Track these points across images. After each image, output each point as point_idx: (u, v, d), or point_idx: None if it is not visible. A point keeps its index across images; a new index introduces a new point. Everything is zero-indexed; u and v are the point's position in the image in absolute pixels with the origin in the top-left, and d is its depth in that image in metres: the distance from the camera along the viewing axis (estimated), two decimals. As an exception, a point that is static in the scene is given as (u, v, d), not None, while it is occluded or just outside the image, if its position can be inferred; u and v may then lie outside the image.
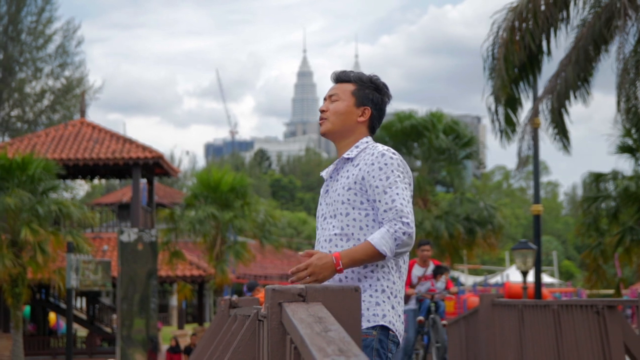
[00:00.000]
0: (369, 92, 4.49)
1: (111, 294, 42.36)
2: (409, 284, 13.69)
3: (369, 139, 4.47)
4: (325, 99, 4.56)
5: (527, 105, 17.77)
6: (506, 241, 64.32)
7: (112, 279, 27.63)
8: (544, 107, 17.04)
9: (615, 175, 27.33)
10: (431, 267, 13.90)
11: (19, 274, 25.29)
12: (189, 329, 39.37)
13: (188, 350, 26.02)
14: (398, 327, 4.28)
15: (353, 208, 4.29)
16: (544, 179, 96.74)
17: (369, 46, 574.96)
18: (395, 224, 4.15)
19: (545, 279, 47.98)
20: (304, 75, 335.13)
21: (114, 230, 33.43)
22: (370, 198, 4.28)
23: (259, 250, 34.83)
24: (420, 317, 13.47)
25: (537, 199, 22.18)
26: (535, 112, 17.73)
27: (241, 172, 37.82)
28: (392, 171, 4.25)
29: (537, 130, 19.02)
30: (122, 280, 25.60)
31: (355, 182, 4.30)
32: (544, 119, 17.28)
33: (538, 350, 12.53)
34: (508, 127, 17.54)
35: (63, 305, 33.59)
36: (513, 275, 43.30)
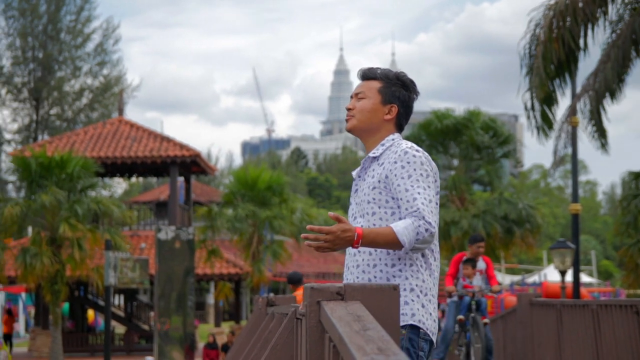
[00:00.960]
0: (395, 89, 4.46)
1: (149, 292, 42.65)
2: (455, 275, 13.41)
3: (395, 136, 4.45)
4: (352, 97, 4.54)
5: (562, 101, 17.69)
6: (544, 240, 64.03)
7: (149, 276, 27.80)
8: (582, 105, 16.93)
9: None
10: (481, 263, 13.63)
11: (58, 271, 25.50)
12: (225, 326, 39.51)
13: (225, 348, 26.12)
14: (429, 325, 4.24)
15: (379, 207, 4.28)
16: (582, 177, 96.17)
17: (405, 44, 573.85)
18: (419, 220, 4.12)
19: (584, 278, 47.67)
20: (341, 74, 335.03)
21: (152, 228, 33.62)
22: (395, 196, 4.26)
23: (296, 248, 34.91)
24: (460, 316, 13.17)
25: (575, 198, 22.03)
26: (572, 111, 17.62)
27: (278, 171, 37.88)
28: (415, 169, 4.23)
29: (576, 129, 18.90)
30: (159, 278, 25.73)
31: (379, 181, 4.29)
32: (582, 118, 17.17)
33: (576, 351, 12.45)
34: (544, 124, 17.45)
35: (101, 303, 33.84)
36: (551, 274, 43.06)
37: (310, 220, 32.03)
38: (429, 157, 4.33)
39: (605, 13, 15.95)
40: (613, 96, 16.61)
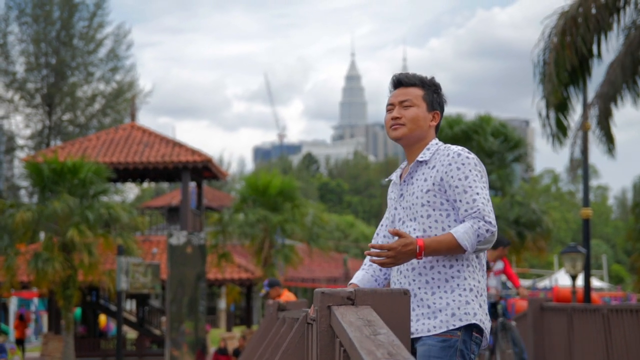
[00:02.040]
0: (436, 96, 4.53)
1: (160, 297, 42.65)
2: None
3: (437, 140, 4.51)
4: (392, 104, 4.53)
5: (578, 108, 17.65)
6: (555, 245, 63.86)
7: (161, 281, 27.85)
8: (595, 111, 16.94)
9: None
10: (498, 263, 13.33)
11: (70, 277, 25.57)
12: (237, 331, 39.52)
13: (237, 353, 26.13)
14: (487, 325, 4.29)
15: (434, 210, 4.31)
16: (593, 182, 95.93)
17: (417, 49, 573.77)
18: (478, 221, 4.19)
19: (595, 283, 47.51)
20: (352, 79, 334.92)
21: (164, 233, 33.67)
22: (450, 198, 4.30)
23: (307, 253, 34.89)
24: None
25: (586, 202, 22.01)
26: (585, 117, 17.62)
27: (289, 176, 37.92)
28: (470, 170, 4.29)
29: (587, 134, 18.90)
30: (171, 283, 25.77)
31: (433, 184, 4.32)
32: (593, 123, 17.17)
33: (587, 355, 12.46)
34: (559, 132, 17.41)
35: (113, 308, 33.89)
36: (562, 279, 42.95)
37: (322, 225, 32.06)
38: (480, 160, 4.38)
39: (619, 21, 15.95)
40: (621, 101, 16.61)
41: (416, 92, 4.51)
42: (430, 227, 4.31)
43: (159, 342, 33.89)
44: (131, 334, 39.39)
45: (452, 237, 4.18)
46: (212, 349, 32.48)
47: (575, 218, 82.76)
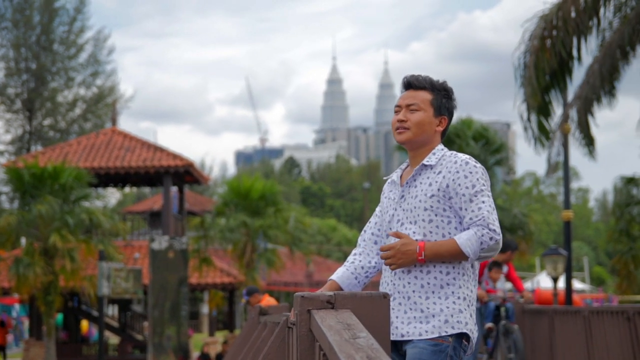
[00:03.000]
0: (445, 101, 4.51)
1: (142, 302, 42.54)
2: (479, 279, 12.73)
3: (443, 146, 4.51)
4: (399, 106, 4.52)
5: (559, 111, 17.71)
6: (537, 247, 64.04)
7: (143, 286, 27.77)
8: (574, 113, 17.01)
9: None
10: (503, 268, 13.13)
11: (51, 282, 25.48)
12: (219, 336, 39.47)
13: (219, 358, 26.11)
14: (475, 335, 4.34)
15: (436, 215, 4.33)
16: (574, 185, 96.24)
17: (399, 53, 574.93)
18: (482, 229, 4.22)
19: (576, 285, 47.69)
20: (334, 83, 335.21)
21: (145, 238, 33.60)
22: (454, 206, 4.32)
23: (289, 257, 34.88)
24: (489, 324, 12.50)
25: (567, 205, 22.08)
26: (565, 118, 17.69)
27: (271, 180, 37.90)
28: (477, 179, 4.31)
29: (568, 137, 18.97)
30: (153, 288, 25.73)
31: (439, 189, 4.33)
32: (572, 125, 17.24)
33: (568, 356, 12.50)
34: (541, 135, 17.47)
35: (95, 313, 33.79)
36: (543, 281, 43.10)
37: (303, 229, 32.07)
38: (485, 169, 4.42)
39: (598, 24, 16.03)
40: (600, 103, 16.68)
41: (424, 96, 4.49)
42: (430, 232, 4.32)
43: (141, 347, 33.79)
44: (113, 339, 39.27)
45: (455, 243, 4.22)
46: (194, 353, 32.41)
47: (556, 220, 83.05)
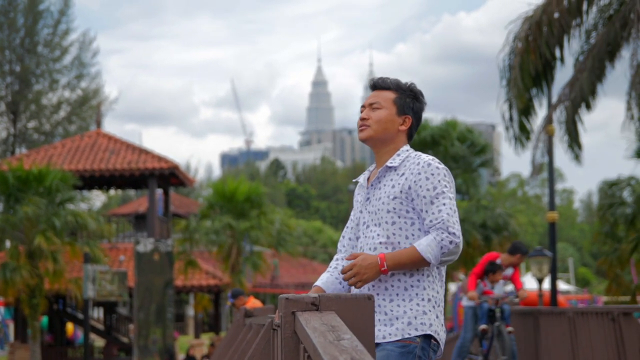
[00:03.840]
0: (409, 100, 4.50)
1: (128, 304, 42.43)
2: (480, 276, 12.54)
3: (408, 147, 4.50)
4: (364, 106, 4.54)
5: (540, 112, 17.76)
6: (522, 248, 64.08)
7: (128, 289, 27.71)
8: (558, 114, 17.06)
9: (630, 181, 27.20)
10: (509, 270, 12.94)
11: (36, 285, 25.40)
12: (205, 338, 39.42)
13: (208, 358, 26.08)
14: (442, 336, 4.31)
15: (399, 217, 4.31)
16: (559, 186, 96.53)
17: (384, 55, 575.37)
18: (442, 233, 4.19)
19: (561, 286, 47.81)
20: (319, 85, 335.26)
21: (131, 240, 33.52)
22: (416, 207, 4.29)
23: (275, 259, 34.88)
24: (484, 326, 12.14)
25: (552, 206, 22.15)
26: (549, 120, 17.75)
27: (256, 182, 37.87)
28: (439, 181, 4.27)
29: (552, 138, 19.02)
30: (138, 290, 25.67)
31: (401, 191, 4.31)
32: (558, 128, 17.29)
33: (554, 357, 12.53)
34: (522, 134, 17.55)
35: (80, 316, 33.69)
36: (528, 282, 43.10)
37: (289, 231, 32.06)
38: (449, 171, 4.38)
39: (581, 24, 16.10)
40: (588, 106, 16.74)
41: (387, 95, 4.50)
42: (394, 234, 4.31)
43: (127, 349, 33.72)
44: (99, 342, 39.15)
45: (415, 250, 4.19)
46: (180, 356, 32.36)
47: (541, 222, 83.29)
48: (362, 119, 4.50)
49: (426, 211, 4.26)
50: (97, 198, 63.07)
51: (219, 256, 30.57)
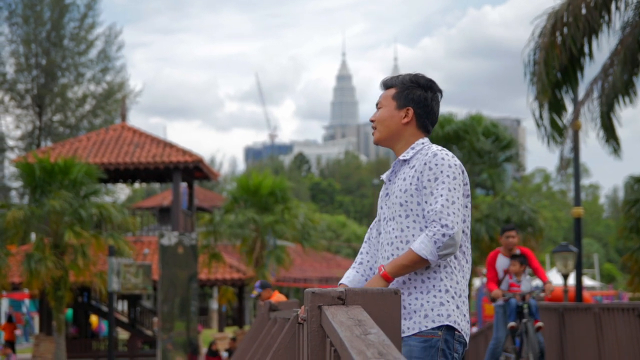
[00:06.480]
0: (408, 92, 4.45)
1: (152, 297, 42.63)
2: (496, 279, 12.05)
3: (425, 139, 4.46)
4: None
5: (571, 108, 17.65)
6: (547, 244, 63.95)
7: (152, 282, 27.81)
8: (585, 109, 16.94)
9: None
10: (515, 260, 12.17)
11: (61, 277, 25.52)
12: (229, 332, 39.53)
13: (228, 353, 26.12)
14: (463, 326, 4.26)
15: (411, 210, 4.29)
16: (584, 181, 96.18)
17: (409, 49, 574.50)
18: (434, 227, 4.15)
19: (587, 281, 47.62)
20: (343, 79, 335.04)
21: (155, 233, 33.63)
22: (423, 199, 4.27)
23: (299, 253, 34.93)
24: (512, 323, 11.72)
25: (577, 201, 22.04)
26: (576, 115, 17.63)
27: (280, 176, 37.90)
28: (442, 172, 4.23)
29: (578, 133, 18.91)
30: (162, 284, 25.76)
31: (411, 184, 4.29)
32: (592, 123, 17.14)
33: (579, 353, 12.47)
34: (554, 132, 17.41)
35: (105, 308, 33.85)
36: (554, 278, 43.00)
37: (313, 225, 32.07)
38: (458, 161, 4.32)
39: (609, 20, 15.97)
40: (624, 100, 16.63)
41: (388, 93, 4.50)
42: (407, 227, 4.29)
43: (151, 342, 33.86)
44: (123, 334, 39.35)
45: (411, 251, 4.17)
46: (203, 349, 32.45)
47: (566, 217, 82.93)
48: (371, 121, 4.54)
49: (426, 202, 4.24)
50: (122, 191, 63.40)
51: (243, 250, 30.61)
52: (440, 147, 4.34)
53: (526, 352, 11.68)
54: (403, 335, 4.17)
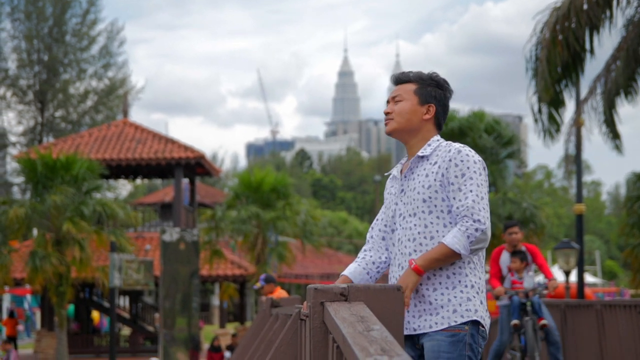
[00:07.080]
0: (431, 89, 4.51)
1: (154, 293, 42.63)
2: (499, 275, 11.89)
3: (439, 137, 4.51)
4: (388, 102, 4.58)
5: (570, 104, 17.64)
6: (548, 241, 63.97)
7: (154, 278, 27.81)
8: (589, 107, 16.93)
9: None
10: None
11: (63, 273, 25.53)
12: (230, 328, 39.53)
13: (230, 350, 26.13)
14: (487, 322, 4.32)
15: (435, 206, 4.32)
16: (586, 178, 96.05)
17: (411, 45, 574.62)
18: (467, 221, 4.20)
19: (588, 278, 47.61)
20: (345, 75, 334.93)
21: (157, 229, 33.64)
22: (449, 195, 4.31)
23: (300, 249, 34.89)
24: (515, 321, 11.51)
25: (579, 198, 22.03)
26: (579, 112, 17.62)
27: (282, 172, 37.88)
28: (468, 168, 4.28)
29: (580, 130, 18.92)
30: (164, 279, 25.76)
31: (435, 180, 4.32)
32: (596, 120, 17.13)
33: (580, 350, 12.47)
34: (551, 127, 17.43)
35: (106, 304, 33.86)
36: (555, 275, 43.04)
37: (314, 222, 32.04)
38: (481, 158, 4.37)
39: (611, 17, 15.96)
40: (626, 97, 16.64)
41: (408, 87, 4.52)
42: (431, 223, 4.32)
43: (153, 338, 33.88)
44: (124, 330, 39.38)
45: (443, 245, 4.20)
46: (205, 345, 32.48)
47: (568, 214, 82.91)
48: (385, 113, 4.54)
49: (454, 198, 4.28)
50: (124, 187, 63.46)
51: (244, 246, 30.60)
52: (461, 144, 4.41)
53: (531, 351, 11.42)
54: (430, 330, 4.23)
